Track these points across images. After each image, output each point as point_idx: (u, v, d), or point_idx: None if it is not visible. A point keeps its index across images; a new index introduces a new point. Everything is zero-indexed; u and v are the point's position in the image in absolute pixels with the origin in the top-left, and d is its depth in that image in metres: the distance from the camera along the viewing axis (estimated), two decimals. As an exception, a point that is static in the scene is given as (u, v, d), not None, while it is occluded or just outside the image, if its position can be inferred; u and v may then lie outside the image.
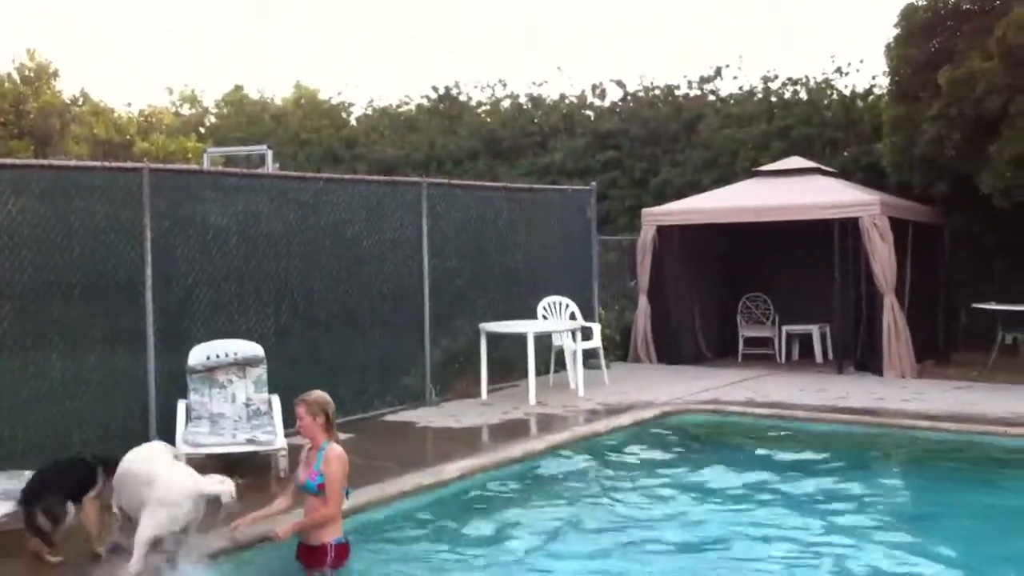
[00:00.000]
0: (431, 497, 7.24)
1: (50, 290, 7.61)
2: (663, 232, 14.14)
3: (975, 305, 13.03)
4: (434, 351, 11.03)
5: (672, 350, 14.08)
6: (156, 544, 5.37)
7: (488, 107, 21.59)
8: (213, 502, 5.50)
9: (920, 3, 13.66)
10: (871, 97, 16.34)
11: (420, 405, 10.67)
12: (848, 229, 12.67)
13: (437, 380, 11.06)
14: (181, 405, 7.85)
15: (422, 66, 40.40)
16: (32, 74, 22.40)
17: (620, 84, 19.49)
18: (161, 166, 9.21)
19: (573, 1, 37.98)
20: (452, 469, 7.72)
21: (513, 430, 9.47)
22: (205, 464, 6.92)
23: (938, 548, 6.30)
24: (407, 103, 22.94)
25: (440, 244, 11.13)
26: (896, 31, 13.84)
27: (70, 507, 5.63)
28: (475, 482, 7.68)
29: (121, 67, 42.20)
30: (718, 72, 18.55)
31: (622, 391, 11.36)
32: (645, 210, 14.67)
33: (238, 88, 27.39)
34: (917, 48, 13.54)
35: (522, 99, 20.90)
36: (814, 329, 14.37)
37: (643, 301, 14.21)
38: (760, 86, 17.67)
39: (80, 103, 24.03)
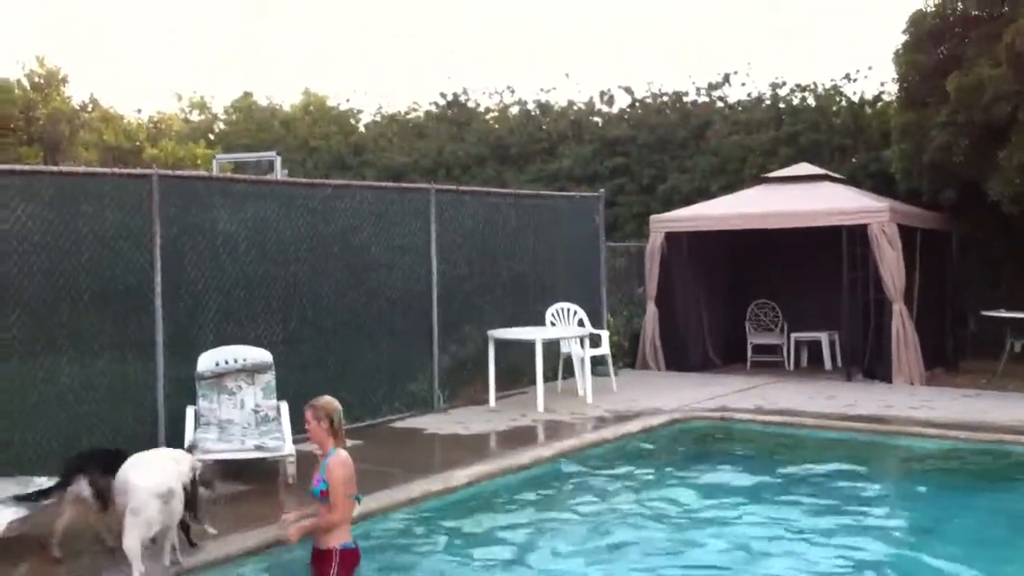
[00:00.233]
0: (439, 503, 7.24)
1: (59, 296, 7.65)
2: (671, 239, 14.14)
3: (984, 312, 12.98)
4: (442, 357, 11.04)
5: (680, 357, 14.07)
6: (157, 539, 5.49)
7: (496, 114, 21.63)
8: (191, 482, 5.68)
9: (928, 9, 13.65)
10: (879, 104, 16.33)
11: (428, 412, 10.67)
12: (857, 236, 12.65)
13: (445, 387, 11.06)
14: (190, 411, 7.87)
15: (424, 67, 40.66)
16: (42, 80, 22.52)
17: (628, 91, 19.53)
18: (170, 172, 9.22)
19: (574, 1, 38.09)
20: (460, 476, 7.72)
21: (521, 437, 9.46)
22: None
23: (946, 556, 6.26)
24: (415, 110, 23.01)
25: (448, 250, 11.14)
26: (904, 38, 13.83)
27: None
28: (483, 489, 7.68)
29: (125, 70, 42.42)
30: (726, 79, 18.55)
31: (630, 398, 11.34)
32: (653, 217, 14.67)
33: (247, 95, 27.49)
34: (925, 55, 13.54)
35: (530, 105, 20.95)
36: (823, 336, 14.34)
37: (651, 308, 14.20)
38: (768, 93, 17.67)
39: (89, 109, 24.15)
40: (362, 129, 23.74)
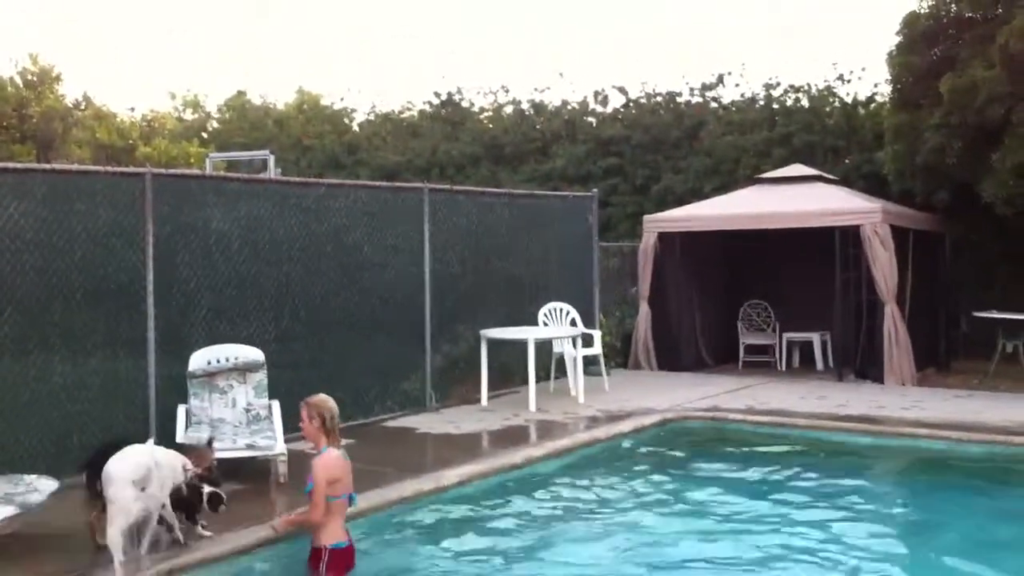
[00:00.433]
0: (431, 503, 7.24)
1: (52, 294, 7.62)
2: (664, 239, 14.16)
3: (976, 313, 13.03)
4: (435, 357, 11.03)
5: (673, 357, 14.09)
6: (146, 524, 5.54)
7: (490, 113, 21.64)
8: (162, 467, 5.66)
9: (922, 11, 13.68)
10: (873, 105, 16.38)
11: (420, 411, 10.67)
12: (849, 237, 12.67)
13: (437, 386, 11.05)
14: (181, 410, 7.85)
15: (421, 67, 40.70)
16: (35, 78, 22.49)
17: (622, 91, 19.56)
18: (163, 171, 9.21)
19: (575, 1, 38.12)
20: (452, 475, 7.72)
21: (513, 437, 9.47)
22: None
23: (938, 557, 6.29)
24: (409, 109, 23.01)
25: (442, 250, 11.14)
26: (898, 39, 13.86)
27: None
28: (475, 488, 7.68)
29: (121, 69, 42.39)
30: (720, 79, 18.59)
31: (622, 398, 11.36)
32: (647, 217, 14.68)
33: (240, 93, 27.48)
34: (919, 56, 13.56)
35: (524, 105, 20.96)
36: (815, 337, 14.38)
37: (644, 308, 14.22)
38: (762, 93, 17.71)
39: (83, 107, 24.13)
40: (356, 128, 23.74)
